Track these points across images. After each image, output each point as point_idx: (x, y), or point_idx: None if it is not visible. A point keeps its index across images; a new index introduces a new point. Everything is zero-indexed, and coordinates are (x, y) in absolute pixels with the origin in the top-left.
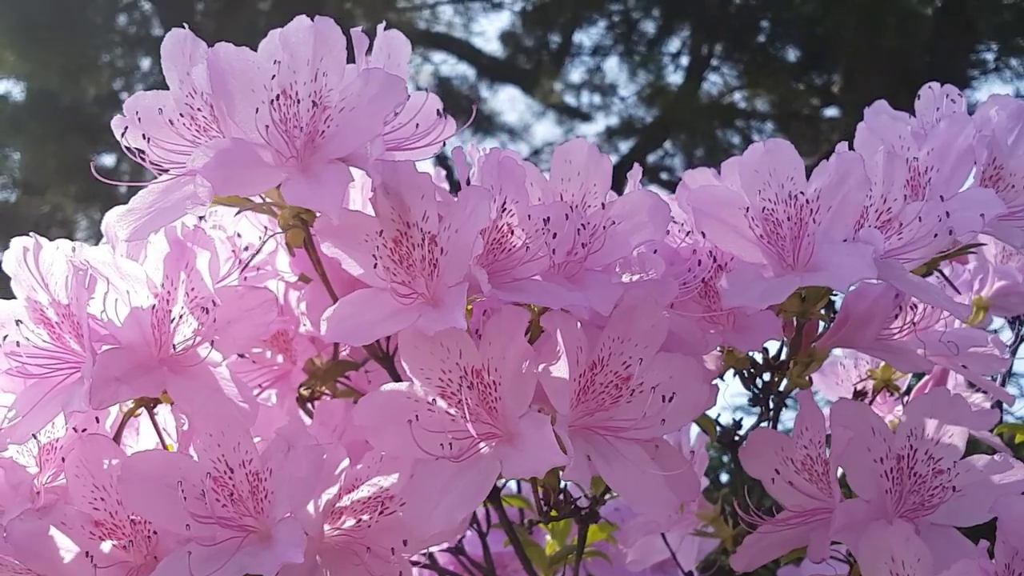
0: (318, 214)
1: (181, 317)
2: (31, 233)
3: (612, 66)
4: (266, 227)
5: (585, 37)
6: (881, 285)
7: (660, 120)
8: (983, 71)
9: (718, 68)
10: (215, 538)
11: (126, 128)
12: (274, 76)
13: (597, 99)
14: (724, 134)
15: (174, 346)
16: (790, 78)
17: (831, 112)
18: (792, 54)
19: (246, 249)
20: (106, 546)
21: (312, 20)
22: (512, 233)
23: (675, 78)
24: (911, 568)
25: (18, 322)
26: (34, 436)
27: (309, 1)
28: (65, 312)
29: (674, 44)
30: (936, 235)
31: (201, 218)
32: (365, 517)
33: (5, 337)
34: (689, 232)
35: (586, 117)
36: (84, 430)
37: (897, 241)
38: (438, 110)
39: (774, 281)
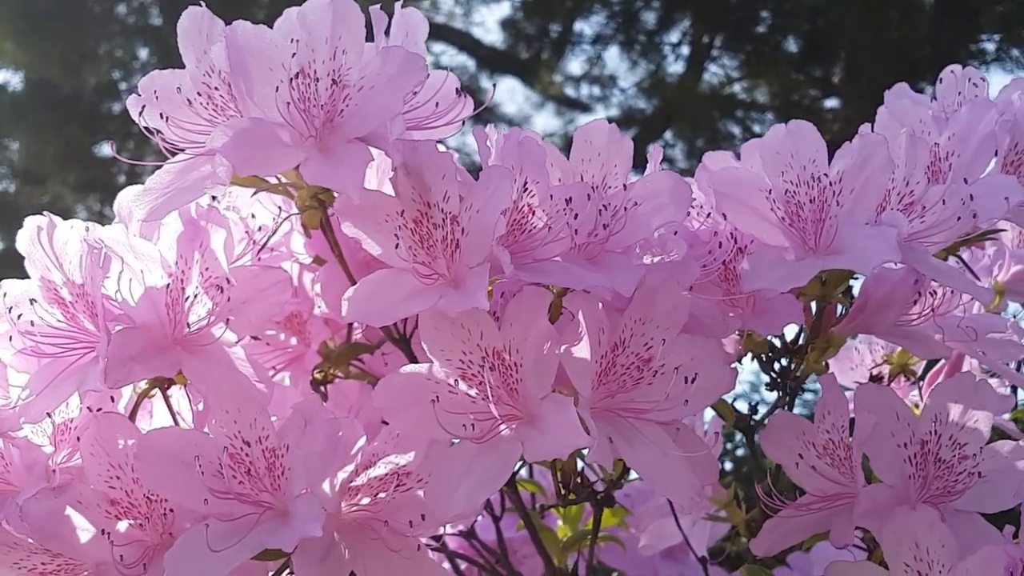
0: (336, 194)
1: (195, 296)
2: (45, 213)
3: (612, 56)
4: (280, 208)
5: (585, 27)
6: (900, 270)
7: (660, 110)
8: (984, 61)
9: (719, 58)
10: (232, 514)
11: (143, 107)
12: (293, 55)
13: (597, 90)
14: (724, 125)
15: (188, 325)
16: (791, 69)
17: (832, 103)
18: (793, 44)
19: (260, 230)
20: (122, 525)
21: None
22: (533, 214)
23: (676, 68)
24: (935, 554)
25: (32, 301)
26: (48, 415)
27: None
28: (79, 292)
29: (675, 34)
30: (959, 218)
31: (215, 198)
32: (382, 494)
33: (20, 316)
34: (709, 214)
35: (586, 108)
36: (99, 409)
37: (919, 224)
38: (456, 89)
39: (796, 264)
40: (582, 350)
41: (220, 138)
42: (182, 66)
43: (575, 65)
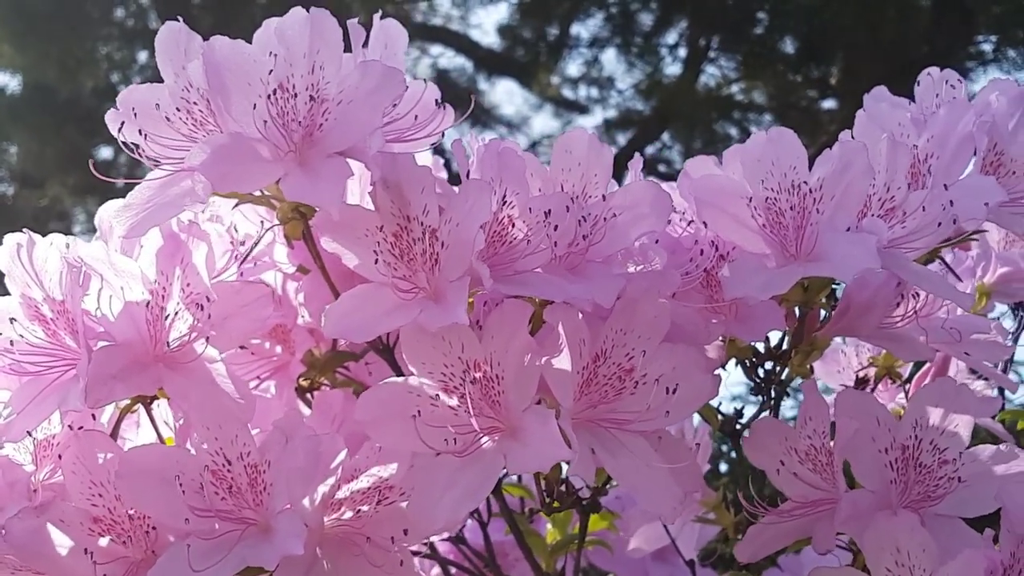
0: (317, 209)
1: (176, 313)
2: (24, 228)
3: (610, 58)
4: (263, 219)
5: (583, 29)
6: (883, 274)
7: (658, 112)
8: (981, 62)
9: (716, 60)
10: (214, 531)
11: (122, 123)
12: (271, 70)
13: (595, 92)
14: (722, 126)
15: (169, 342)
16: (788, 70)
17: (829, 104)
18: (790, 45)
19: (243, 241)
20: (105, 542)
21: (308, 12)
22: (513, 225)
23: (673, 70)
24: (916, 558)
25: (12, 319)
26: (29, 433)
27: None
28: (60, 309)
29: (671, 36)
30: (940, 224)
31: (197, 210)
32: (364, 508)
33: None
34: (691, 222)
35: (584, 110)
36: (80, 427)
37: (901, 230)
38: (436, 100)
39: (777, 271)
40: (563, 362)
41: (199, 155)
42: None
43: (572, 67)
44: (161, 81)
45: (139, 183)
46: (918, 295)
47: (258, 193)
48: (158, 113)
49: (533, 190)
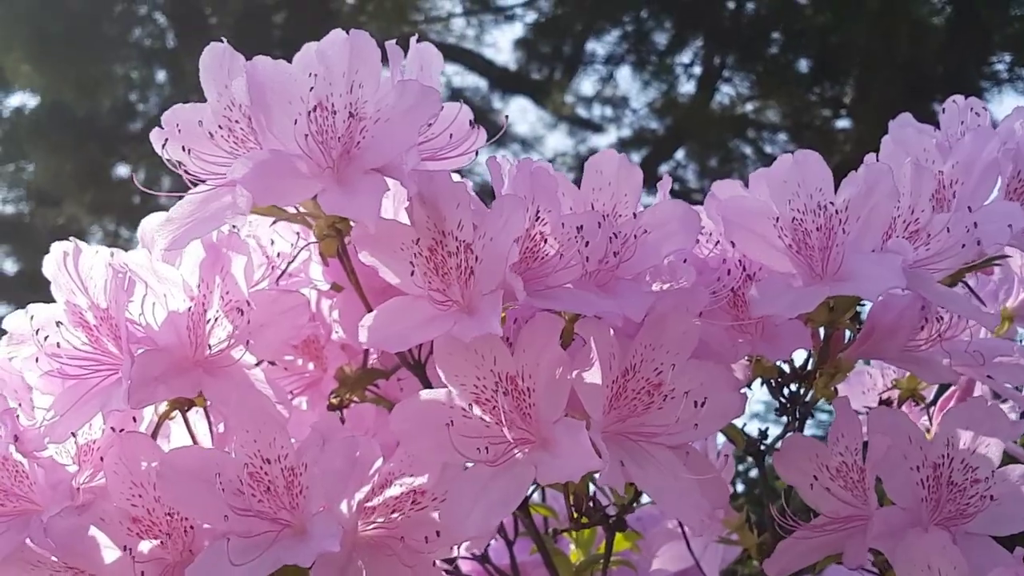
0: (353, 224)
1: (216, 320)
2: (72, 238)
3: (624, 77)
4: (299, 235)
5: (598, 47)
6: (907, 296)
7: (672, 131)
8: (996, 82)
9: (730, 79)
10: (251, 531)
11: (166, 140)
12: (311, 88)
13: (609, 111)
14: (736, 145)
15: (209, 347)
16: (802, 89)
17: (843, 123)
18: (804, 65)
19: (279, 257)
20: (143, 543)
21: (348, 33)
22: (545, 241)
23: (687, 89)
24: None
25: (58, 323)
26: (73, 435)
27: (322, 16)
28: (103, 315)
29: (686, 55)
30: (964, 246)
31: (235, 226)
32: (396, 515)
33: (47, 338)
34: (718, 242)
35: (598, 128)
36: (122, 430)
37: (924, 252)
38: (470, 121)
39: (804, 290)
40: (594, 375)
41: (240, 169)
42: (196, 87)
43: (587, 85)
44: (178, 100)
45: (158, 195)
46: (942, 318)
47: (294, 211)
48: (201, 130)
49: (564, 208)
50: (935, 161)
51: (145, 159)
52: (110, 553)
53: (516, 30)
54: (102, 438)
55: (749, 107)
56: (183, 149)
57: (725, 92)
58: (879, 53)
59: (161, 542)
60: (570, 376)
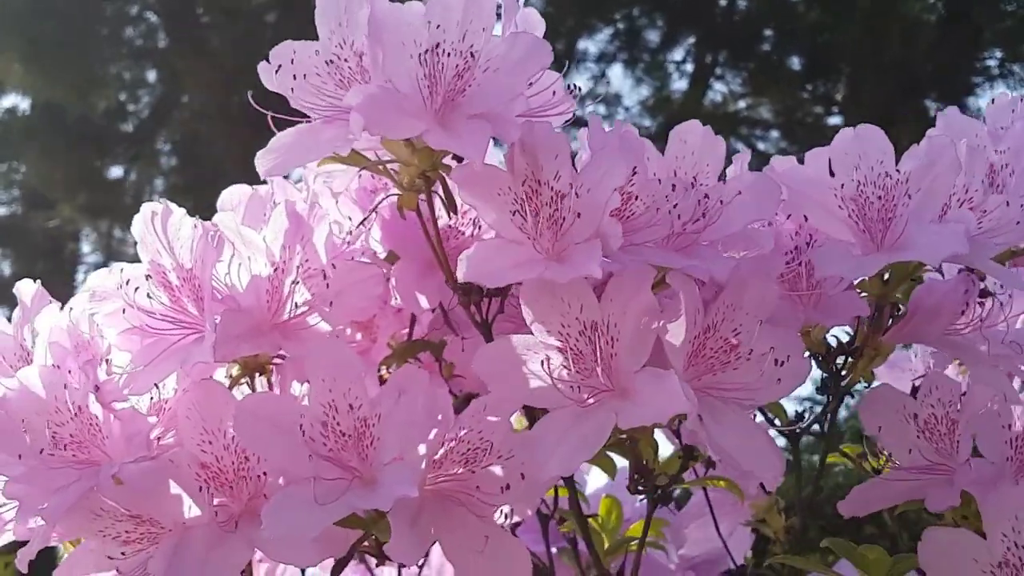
0: (451, 168)
1: (295, 285)
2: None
3: (617, 74)
4: (366, 203)
5: (590, 45)
6: (951, 280)
7: (664, 128)
8: (987, 78)
9: (722, 76)
10: (325, 476)
11: (279, 67)
12: (426, 33)
13: (602, 108)
14: (728, 142)
15: (288, 311)
16: (794, 86)
17: (835, 119)
18: (796, 62)
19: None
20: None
21: None
22: (634, 199)
23: (679, 86)
24: None
25: (147, 277)
26: (156, 386)
27: (313, 16)
28: (187, 276)
29: (678, 52)
30: (1019, 222)
31: (317, 202)
32: (460, 469)
33: (136, 290)
34: (789, 215)
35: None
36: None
37: (977, 228)
38: (569, 85)
39: (865, 257)
40: (678, 328)
41: (356, 96)
42: (191, 88)
43: (579, 83)
44: (170, 100)
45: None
46: (982, 303)
47: (382, 159)
48: (314, 60)
49: (649, 173)
50: (986, 147)
51: (139, 160)
52: (177, 496)
53: None
54: (173, 398)
55: (741, 104)
56: (294, 77)
57: (717, 89)
58: (871, 50)
59: (228, 489)
60: (657, 325)
